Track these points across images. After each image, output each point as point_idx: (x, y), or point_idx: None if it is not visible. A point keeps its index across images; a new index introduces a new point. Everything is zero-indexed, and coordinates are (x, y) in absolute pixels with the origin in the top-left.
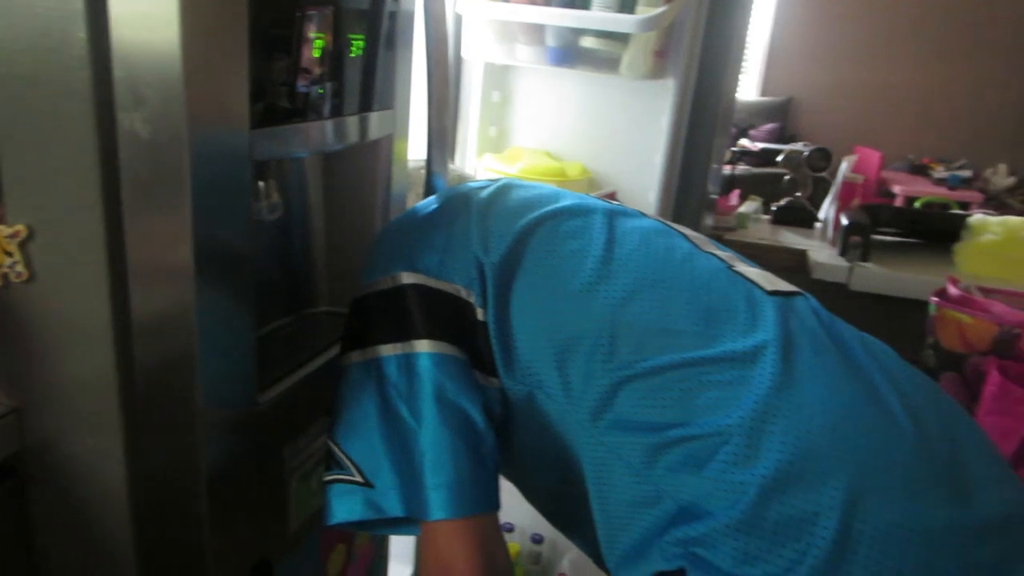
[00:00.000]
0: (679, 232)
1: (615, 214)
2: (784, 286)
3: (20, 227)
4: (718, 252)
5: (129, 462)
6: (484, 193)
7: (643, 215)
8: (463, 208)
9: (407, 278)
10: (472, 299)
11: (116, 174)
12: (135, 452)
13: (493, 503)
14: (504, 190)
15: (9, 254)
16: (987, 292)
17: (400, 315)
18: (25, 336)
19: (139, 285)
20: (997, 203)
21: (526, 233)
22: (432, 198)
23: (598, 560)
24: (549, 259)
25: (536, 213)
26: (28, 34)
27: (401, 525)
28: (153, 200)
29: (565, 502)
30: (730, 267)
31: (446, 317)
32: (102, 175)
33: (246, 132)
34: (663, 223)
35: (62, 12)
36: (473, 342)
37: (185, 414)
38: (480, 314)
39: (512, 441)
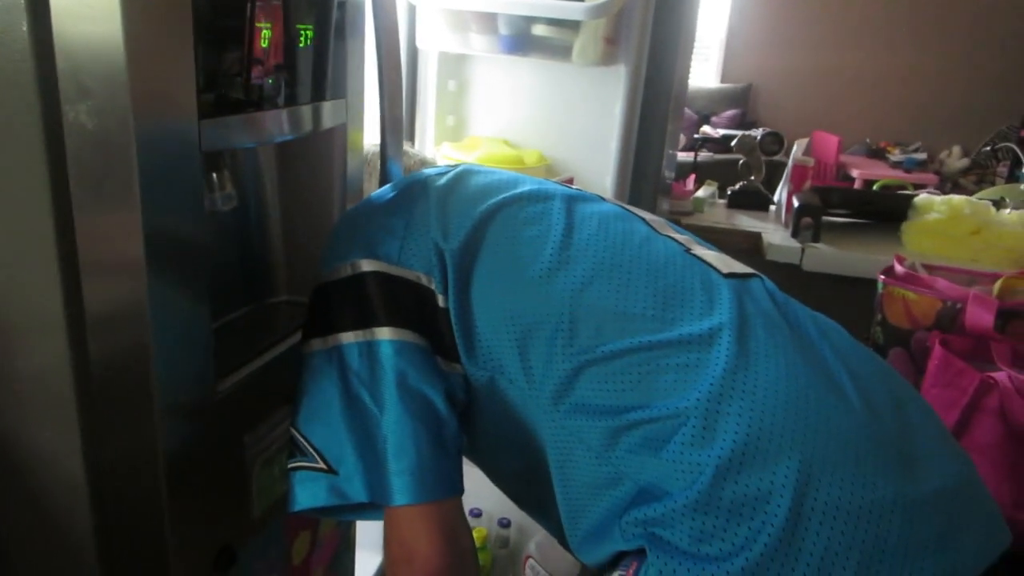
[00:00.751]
0: (637, 216)
1: (574, 199)
2: (740, 268)
3: None
4: (675, 235)
5: (87, 454)
6: (443, 180)
7: (602, 200)
8: (422, 195)
9: (367, 265)
10: (433, 286)
11: (64, 166)
12: (94, 443)
13: (456, 488)
14: (463, 176)
15: None
16: (931, 269)
17: (361, 302)
18: None
19: (91, 277)
20: (951, 185)
21: (486, 219)
22: (390, 185)
23: (563, 541)
24: (509, 245)
25: (495, 199)
26: None
27: (365, 511)
28: (102, 192)
29: (530, 485)
30: (687, 250)
31: (407, 304)
32: (49, 167)
33: (194, 122)
34: (622, 207)
35: (3, 4)
36: (435, 328)
37: (142, 405)
38: (441, 300)
39: (476, 426)
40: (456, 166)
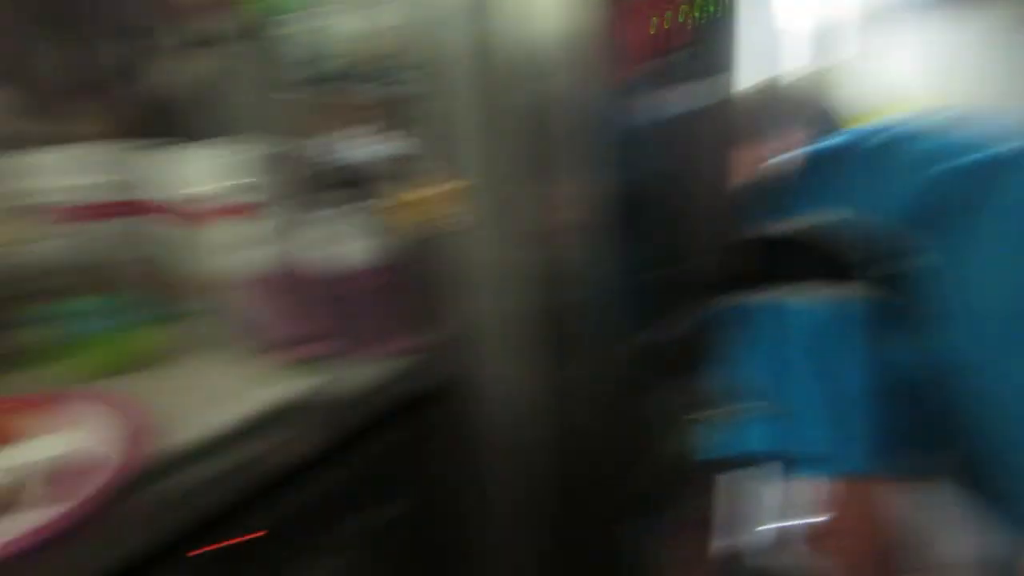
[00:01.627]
0: None
1: None
2: None
3: (465, 184)
4: None
5: (537, 388)
6: (903, 135)
7: None
8: (883, 151)
9: (815, 220)
10: (893, 249)
11: (537, 141)
12: (543, 379)
13: (886, 466)
14: (927, 131)
15: (456, 206)
16: None
17: (805, 260)
18: (464, 276)
19: (551, 235)
20: None
21: (968, 181)
22: (832, 139)
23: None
24: (999, 215)
25: (970, 160)
26: (465, 38)
27: (790, 465)
28: (564, 162)
29: (982, 480)
30: None
31: (864, 264)
32: (526, 141)
33: (624, 99)
34: None
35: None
36: (887, 294)
37: (578, 353)
38: (901, 265)
39: (913, 406)
40: (919, 118)
